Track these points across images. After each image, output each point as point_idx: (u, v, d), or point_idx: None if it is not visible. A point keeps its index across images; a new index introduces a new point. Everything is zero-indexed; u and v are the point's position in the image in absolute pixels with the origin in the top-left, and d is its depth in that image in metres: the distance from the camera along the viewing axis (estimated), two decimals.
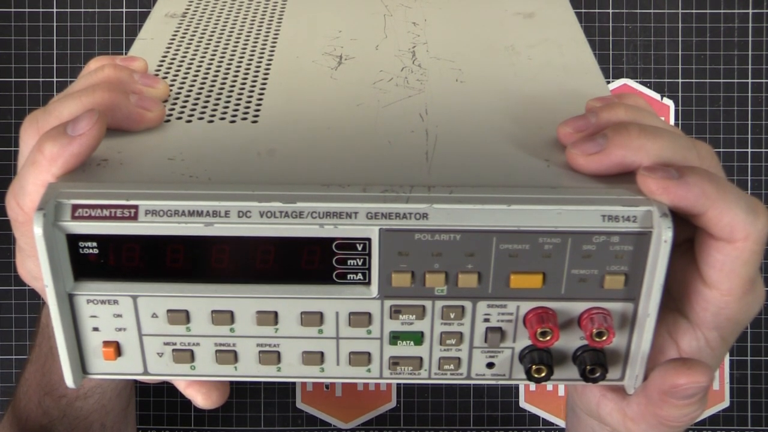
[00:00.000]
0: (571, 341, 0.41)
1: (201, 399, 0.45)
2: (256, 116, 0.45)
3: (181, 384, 0.45)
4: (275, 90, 0.48)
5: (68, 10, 0.76)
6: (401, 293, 0.40)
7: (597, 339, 0.39)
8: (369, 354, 0.41)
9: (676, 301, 0.41)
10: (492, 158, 0.41)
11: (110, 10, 0.76)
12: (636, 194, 0.38)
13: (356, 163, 0.41)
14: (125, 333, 0.41)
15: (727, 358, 0.76)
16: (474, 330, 0.41)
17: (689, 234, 0.39)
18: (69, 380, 0.41)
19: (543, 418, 0.78)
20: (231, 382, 0.45)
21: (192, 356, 0.42)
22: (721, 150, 0.75)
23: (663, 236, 0.37)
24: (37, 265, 0.42)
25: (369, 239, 0.38)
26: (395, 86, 0.48)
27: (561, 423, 0.77)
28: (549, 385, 0.77)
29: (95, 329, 0.41)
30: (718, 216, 0.37)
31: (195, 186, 0.39)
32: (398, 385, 0.77)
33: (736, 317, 0.40)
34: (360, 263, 0.39)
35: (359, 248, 0.39)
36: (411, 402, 0.77)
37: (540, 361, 0.41)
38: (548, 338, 0.40)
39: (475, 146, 0.42)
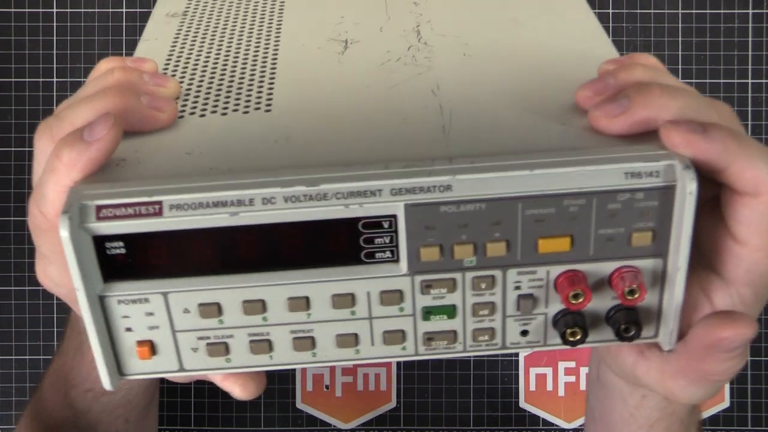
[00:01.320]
0: (603, 302, 0.41)
1: (239, 390, 0.45)
2: (269, 105, 0.45)
3: (217, 377, 0.45)
4: (285, 79, 0.48)
5: (68, 10, 0.76)
6: (431, 267, 0.40)
7: (629, 297, 0.39)
8: (403, 332, 0.41)
9: (708, 259, 0.41)
10: (509, 126, 0.41)
11: (110, 10, 0.76)
12: (657, 149, 0.38)
13: (374, 142, 0.41)
14: (158, 331, 0.41)
15: None
16: (506, 299, 0.41)
17: (716, 190, 0.39)
18: (106, 383, 0.41)
19: (543, 418, 0.78)
20: (266, 372, 0.45)
21: (227, 348, 0.41)
22: None
23: (687, 188, 0.37)
24: (60, 271, 0.42)
25: (395, 216, 0.38)
26: (404, 65, 0.48)
27: (561, 423, 0.77)
28: (549, 385, 0.77)
29: (128, 329, 0.41)
30: (741, 170, 0.37)
31: (217, 177, 0.38)
32: (398, 385, 0.77)
33: None
34: (387, 241, 0.39)
35: (385, 226, 0.39)
36: (411, 402, 0.77)
37: (574, 324, 0.40)
38: (580, 300, 0.39)
39: (490, 116, 0.42)
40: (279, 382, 0.77)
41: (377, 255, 0.39)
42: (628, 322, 0.40)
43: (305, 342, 0.41)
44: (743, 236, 0.39)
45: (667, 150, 0.38)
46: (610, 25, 0.76)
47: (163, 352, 0.41)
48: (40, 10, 0.76)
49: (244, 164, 0.40)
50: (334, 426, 0.77)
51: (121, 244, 0.39)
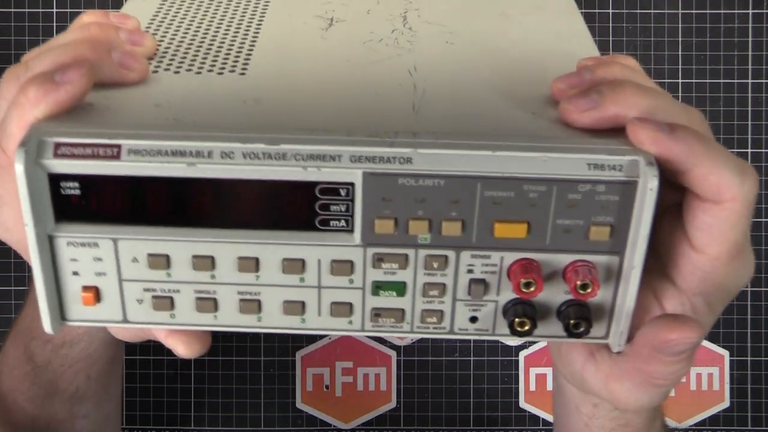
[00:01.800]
0: (555, 295, 0.41)
1: (182, 348, 0.44)
2: (245, 69, 0.45)
3: (161, 334, 0.44)
4: (264, 47, 0.48)
5: (68, 10, 0.76)
6: (384, 241, 0.39)
7: (581, 291, 0.39)
8: (351, 305, 0.41)
9: (664, 266, 0.41)
10: (479, 110, 0.41)
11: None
12: (623, 144, 0.38)
13: (342, 111, 0.41)
14: (105, 278, 0.41)
15: (727, 358, 0.77)
16: (457, 281, 0.40)
17: (678, 198, 0.39)
18: (47, 326, 0.41)
19: (543, 419, 0.78)
20: (213, 335, 0.45)
21: (172, 303, 0.41)
22: None
23: (649, 184, 0.37)
24: (13, 214, 0.41)
25: (352, 184, 0.38)
26: (385, 46, 0.48)
27: None
28: (549, 385, 0.77)
29: (75, 273, 0.40)
30: (705, 174, 0.37)
31: (180, 128, 0.39)
32: (398, 385, 0.77)
33: (724, 283, 0.40)
34: (343, 209, 0.39)
35: (342, 193, 0.38)
36: (411, 402, 0.77)
37: (523, 313, 0.40)
38: (532, 289, 0.39)
39: (462, 99, 0.42)
40: (279, 382, 0.77)
41: (332, 223, 0.39)
42: (579, 317, 0.40)
43: (251, 305, 0.41)
44: (701, 243, 0.38)
45: (633, 146, 0.38)
46: (610, 25, 0.75)
47: (108, 301, 0.41)
48: (40, 10, 0.76)
49: (209, 120, 0.40)
50: (334, 426, 0.77)
51: (76, 184, 0.38)
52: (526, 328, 0.40)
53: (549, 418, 0.77)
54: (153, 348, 0.76)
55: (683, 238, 0.39)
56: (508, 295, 0.41)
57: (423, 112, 0.41)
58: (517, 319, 0.40)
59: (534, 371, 0.77)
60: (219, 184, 0.38)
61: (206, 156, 0.38)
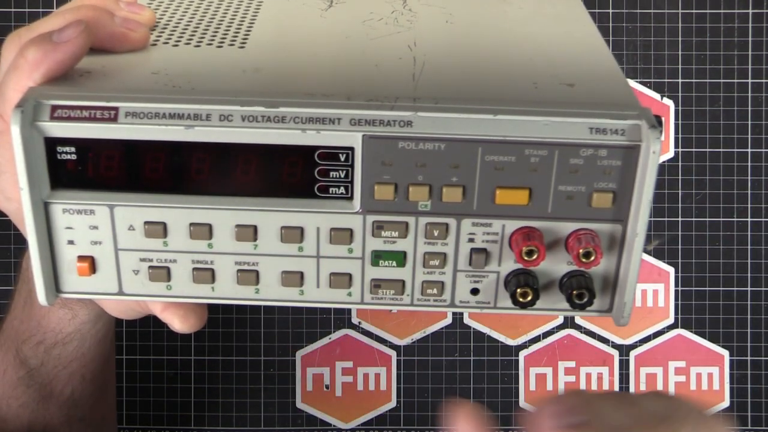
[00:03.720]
0: (557, 266, 0.40)
1: (178, 323, 0.44)
2: (244, 43, 0.45)
3: (157, 307, 0.44)
4: (264, 23, 0.48)
5: None
6: (384, 207, 0.39)
7: (584, 260, 0.39)
8: (350, 275, 0.41)
9: None
10: (480, 81, 0.41)
11: None
12: (624, 109, 0.38)
13: (342, 80, 0.41)
14: (101, 247, 0.40)
15: (727, 358, 0.77)
16: (458, 251, 0.40)
17: None
18: (42, 297, 0.41)
19: None
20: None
21: (168, 274, 0.41)
22: (721, 150, 0.75)
23: (652, 147, 0.37)
24: (12, 182, 0.41)
25: (352, 148, 0.38)
26: (384, 24, 0.48)
27: None
28: (549, 385, 0.77)
29: (70, 242, 0.40)
30: None
31: (178, 93, 0.38)
32: (398, 385, 0.77)
33: None
34: (342, 176, 0.39)
35: (342, 159, 0.38)
36: (411, 402, 0.77)
37: (525, 283, 0.40)
38: (534, 257, 0.39)
39: (462, 72, 0.42)
40: (279, 382, 0.77)
41: (331, 189, 0.39)
42: (581, 287, 0.40)
43: (249, 276, 0.41)
44: None
45: (635, 110, 0.37)
46: (610, 25, 0.76)
47: (104, 271, 0.41)
48: (40, 9, 0.76)
49: (207, 87, 0.39)
50: (334, 426, 0.77)
51: (72, 149, 0.38)
52: (529, 298, 0.40)
53: None
54: (153, 348, 0.76)
55: None
56: (510, 265, 0.41)
57: (423, 81, 0.40)
58: (519, 290, 0.40)
59: (534, 371, 0.77)
60: (217, 149, 0.38)
61: (204, 119, 0.37)
